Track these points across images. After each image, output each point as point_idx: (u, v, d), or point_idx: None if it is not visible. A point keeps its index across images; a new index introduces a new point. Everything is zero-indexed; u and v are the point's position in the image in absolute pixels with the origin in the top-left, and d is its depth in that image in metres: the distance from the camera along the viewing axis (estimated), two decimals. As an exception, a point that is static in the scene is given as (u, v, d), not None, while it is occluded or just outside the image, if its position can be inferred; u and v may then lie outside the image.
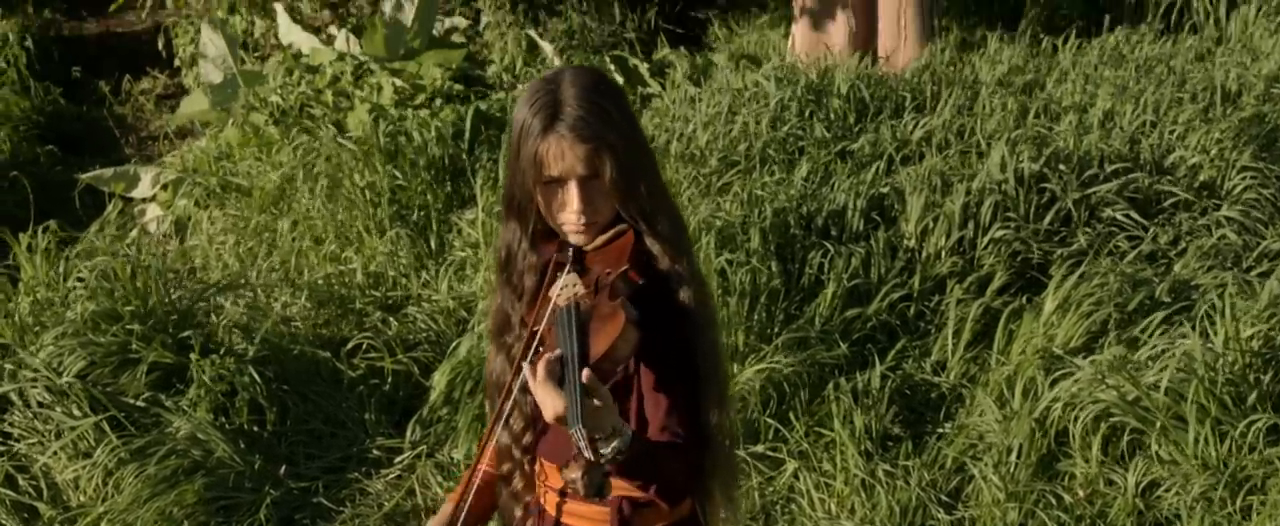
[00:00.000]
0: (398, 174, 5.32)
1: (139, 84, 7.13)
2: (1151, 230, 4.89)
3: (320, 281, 5.07)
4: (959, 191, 4.84)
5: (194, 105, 6.15)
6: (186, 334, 4.53)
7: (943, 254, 4.78)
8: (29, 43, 7.41)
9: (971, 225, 4.82)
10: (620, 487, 2.55)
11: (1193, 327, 4.21)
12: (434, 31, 6.06)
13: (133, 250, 4.85)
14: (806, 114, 5.38)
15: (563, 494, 2.59)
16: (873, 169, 5.05)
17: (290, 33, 6.18)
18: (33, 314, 4.62)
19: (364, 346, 4.75)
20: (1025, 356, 4.38)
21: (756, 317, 4.55)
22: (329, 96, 5.50)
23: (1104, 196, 4.92)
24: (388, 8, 5.93)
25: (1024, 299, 4.67)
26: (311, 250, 5.28)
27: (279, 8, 6.40)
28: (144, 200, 5.91)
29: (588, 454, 2.19)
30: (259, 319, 4.72)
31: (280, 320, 4.89)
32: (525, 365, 2.34)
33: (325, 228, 5.28)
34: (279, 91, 5.59)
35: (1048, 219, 4.86)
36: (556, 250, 2.48)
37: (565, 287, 2.39)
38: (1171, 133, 5.32)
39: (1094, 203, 4.94)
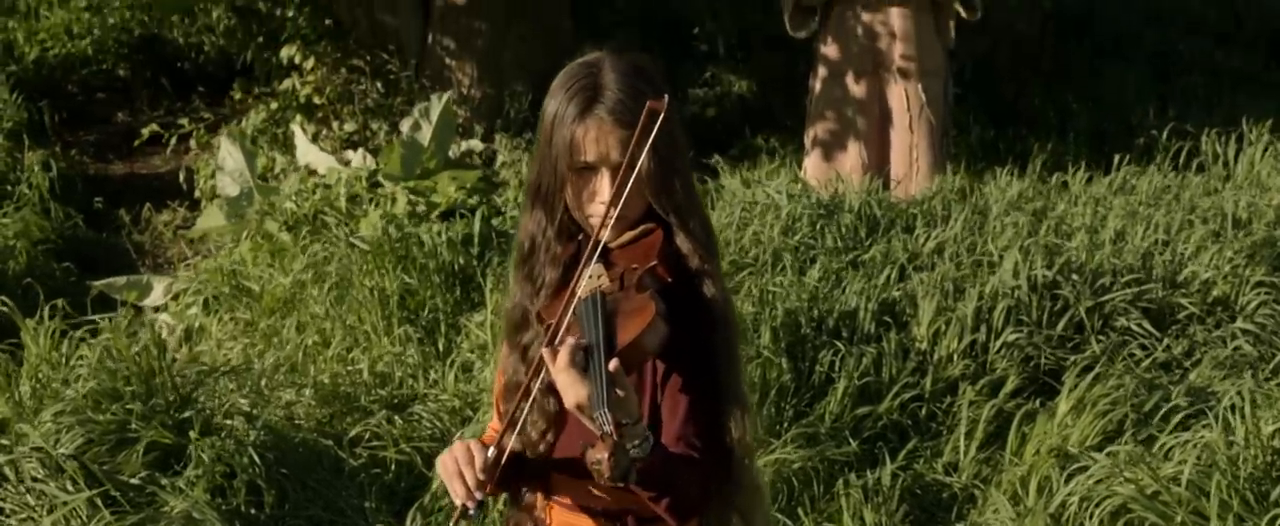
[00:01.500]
0: (408, 279, 5.23)
1: (160, 215, 7.08)
2: (1165, 340, 4.76)
3: (326, 380, 4.93)
4: (971, 295, 4.73)
5: (211, 220, 6.10)
6: (187, 415, 4.39)
7: (955, 357, 4.65)
8: (53, 172, 7.38)
9: (984, 329, 4.71)
10: (626, 500, 2.39)
11: (1212, 425, 4.07)
12: (450, 153, 6.02)
13: (139, 331, 4.72)
14: (818, 226, 5.30)
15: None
16: (885, 274, 4.95)
17: (308, 154, 6.16)
18: (33, 392, 4.48)
19: (367, 435, 4.60)
20: (1039, 456, 4.22)
21: (766, 412, 4.40)
22: (342, 203, 5.44)
23: (1117, 305, 4.80)
24: (405, 127, 5.92)
25: (1037, 403, 4.53)
26: (318, 350, 5.16)
27: (297, 129, 6.39)
28: (156, 309, 5.81)
29: (614, 437, 2.05)
30: (262, 405, 4.58)
31: (284, 414, 4.75)
32: (545, 350, 2.20)
33: (333, 329, 5.16)
34: (293, 198, 5.54)
35: (1061, 325, 4.74)
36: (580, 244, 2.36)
37: (590, 279, 2.25)
38: (1183, 251, 5.23)
39: (1107, 312, 4.82)
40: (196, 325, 5.64)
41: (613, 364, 2.11)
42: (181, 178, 7.53)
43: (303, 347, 5.09)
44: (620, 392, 2.11)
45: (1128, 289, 4.87)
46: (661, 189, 2.28)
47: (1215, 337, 4.79)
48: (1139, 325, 4.76)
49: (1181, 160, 6.33)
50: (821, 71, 6.26)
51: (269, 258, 5.62)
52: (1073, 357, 4.63)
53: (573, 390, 2.14)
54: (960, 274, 4.94)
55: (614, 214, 2.28)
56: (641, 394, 2.30)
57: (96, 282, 5.82)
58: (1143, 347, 4.73)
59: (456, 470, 2.20)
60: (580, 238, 2.36)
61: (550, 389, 2.35)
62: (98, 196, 7.56)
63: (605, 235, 2.30)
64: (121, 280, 5.82)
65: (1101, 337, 4.73)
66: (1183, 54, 8.88)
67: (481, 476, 2.20)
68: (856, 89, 6.17)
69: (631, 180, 2.24)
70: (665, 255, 2.32)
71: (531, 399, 2.35)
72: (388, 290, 5.20)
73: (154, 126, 7.85)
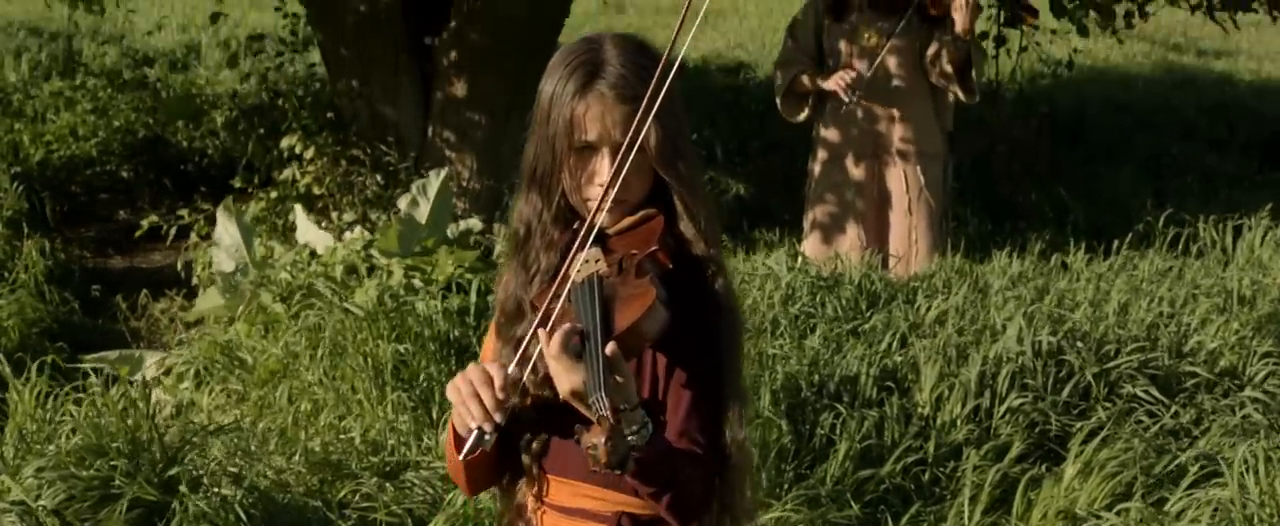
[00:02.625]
0: (402, 348, 5.09)
1: (157, 303, 6.94)
2: (1173, 408, 4.61)
3: (317, 447, 4.77)
4: (975, 360, 4.59)
5: (208, 302, 5.97)
6: (174, 472, 4.22)
7: (958, 421, 4.50)
8: (51, 260, 7.27)
9: (988, 394, 4.56)
10: (622, 501, 2.24)
11: (1227, 481, 3.92)
12: (449, 233, 5.92)
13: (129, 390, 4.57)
14: (818, 297, 5.18)
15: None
16: (886, 341, 4.81)
17: (308, 233, 6.05)
18: (16, 449, 4.32)
19: (357, 498, 4.42)
20: (1047, 519, 4.06)
21: (766, 474, 4.24)
22: (338, 273, 5.32)
23: (1124, 372, 4.66)
24: (403, 204, 5.81)
25: (1043, 468, 4.37)
26: (310, 420, 5.00)
27: (298, 208, 6.29)
28: (147, 383, 5.65)
29: (611, 420, 1.89)
30: (250, 463, 4.41)
31: (273, 480, 4.58)
32: (540, 333, 2.06)
33: (326, 397, 5.01)
34: (288, 269, 5.41)
35: (1066, 391, 4.59)
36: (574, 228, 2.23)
37: (587, 262, 2.11)
38: (1189, 322, 5.10)
39: (1113, 378, 4.67)
40: (188, 399, 5.48)
41: (610, 348, 1.98)
42: (180, 266, 7.41)
43: (294, 415, 4.92)
44: (618, 378, 1.97)
45: (1134, 356, 4.73)
46: (667, 168, 2.16)
47: (1223, 405, 4.65)
48: (1146, 392, 4.61)
49: (1181, 246, 6.21)
50: (821, 155, 6.18)
51: (263, 329, 5.48)
52: (1079, 424, 4.48)
53: (567, 376, 1.99)
54: (963, 340, 4.81)
55: (612, 194, 2.15)
56: (641, 387, 2.15)
57: (87, 357, 5.67)
58: (1150, 414, 4.58)
59: (472, 391, 2.02)
60: (576, 226, 2.22)
61: (545, 381, 2.20)
62: (95, 285, 7.43)
63: (602, 218, 2.17)
64: (113, 354, 5.67)
65: (1108, 404, 4.58)
66: (1176, 157, 8.84)
67: (501, 395, 2.02)
68: (856, 172, 6.09)
69: (631, 157, 2.12)
70: (666, 242, 2.19)
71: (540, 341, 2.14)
72: (381, 358, 5.05)
73: (153, 218, 7.74)
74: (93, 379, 4.77)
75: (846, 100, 5.91)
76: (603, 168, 2.15)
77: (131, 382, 5.65)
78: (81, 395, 4.70)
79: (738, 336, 2.23)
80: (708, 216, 2.21)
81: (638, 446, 1.95)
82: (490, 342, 2.38)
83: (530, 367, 2.15)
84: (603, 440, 1.86)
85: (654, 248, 2.14)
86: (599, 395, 1.89)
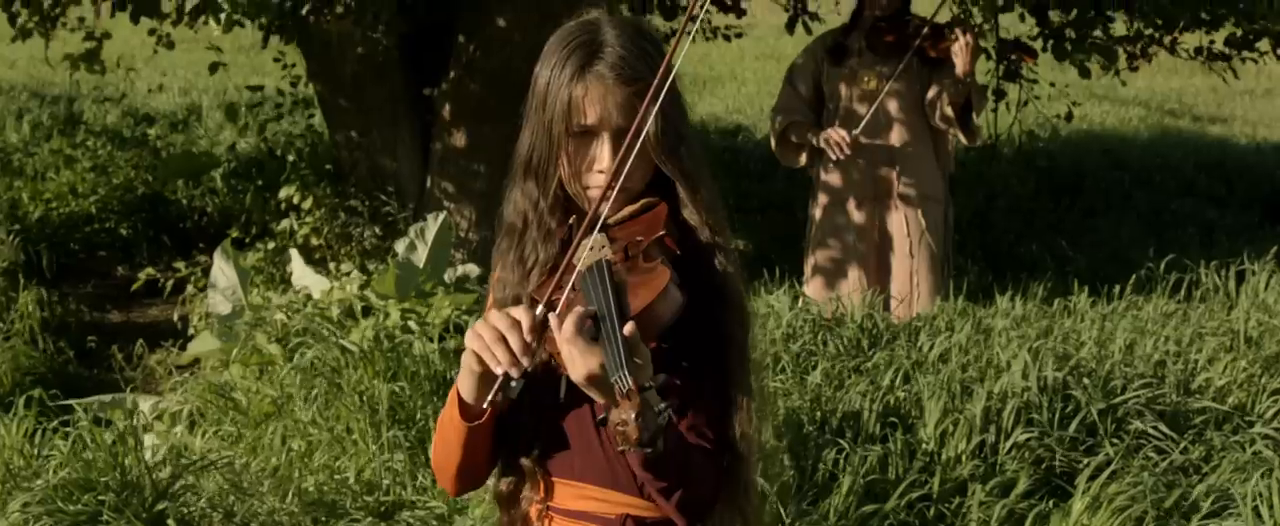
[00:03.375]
0: (398, 388, 4.97)
1: (153, 355, 6.83)
2: (1182, 444, 4.49)
3: (311, 487, 4.64)
4: (979, 395, 4.48)
5: (203, 345, 5.86)
6: (163, 506, 4.10)
7: (963, 457, 4.38)
8: (47, 312, 7.17)
9: (993, 429, 4.44)
10: (626, 503, 2.12)
11: (1241, 513, 3.80)
12: (447, 278, 5.82)
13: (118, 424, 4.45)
14: (819, 336, 5.07)
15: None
16: (888, 378, 4.70)
17: (304, 277, 5.94)
18: (2, 482, 4.20)
19: (351, 533, 4.30)
20: (1057, 554, 3.94)
21: (768, 509, 4.11)
22: (334, 314, 5.21)
23: (1132, 408, 4.55)
24: (401, 248, 5.71)
25: (1050, 503, 4.24)
26: (303, 461, 4.87)
27: (294, 253, 6.20)
28: (141, 428, 5.52)
29: (639, 393, 1.78)
30: (242, 500, 4.29)
31: (267, 520, 4.45)
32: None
33: (320, 436, 4.89)
34: (284, 310, 5.31)
35: (1072, 427, 4.47)
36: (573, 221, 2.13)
37: (592, 250, 2.01)
38: (1197, 360, 4.99)
39: (1120, 415, 4.56)
40: (182, 443, 5.35)
41: (629, 327, 1.86)
42: (176, 318, 7.31)
43: (288, 455, 4.80)
44: (638, 360, 1.86)
45: (1141, 392, 4.61)
46: (669, 154, 2.06)
47: (1233, 442, 4.53)
48: (1155, 428, 4.49)
49: (1184, 291, 6.11)
50: (822, 199, 6.09)
51: (258, 371, 5.36)
52: (1087, 459, 4.36)
53: (583, 360, 1.86)
54: (967, 376, 4.70)
55: (618, 184, 2.05)
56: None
57: (78, 401, 5.54)
58: (1159, 450, 4.46)
59: (497, 335, 1.91)
60: (572, 221, 2.12)
61: (546, 371, 2.09)
62: (91, 336, 7.33)
63: (606, 208, 2.07)
64: (105, 398, 5.55)
65: (1115, 440, 4.46)
66: (1176, 212, 8.76)
67: (530, 338, 1.91)
68: (857, 215, 6.00)
69: (640, 142, 2.02)
70: (671, 229, 2.09)
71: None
72: (377, 397, 4.93)
73: (150, 271, 7.66)
74: (81, 415, 4.66)
75: (835, 157, 5.84)
76: (603, 153, 2.06)
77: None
78: (70, 430, 4.59)
79: (746, 327, 2.12)
80: (712, 202, 2.12)
81: (667, 423, 1.83)
82: None
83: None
84: (633, 415, 1.74)
85: (661, 232, 2.05)
86: (622, 373, 1.78)
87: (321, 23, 5.64)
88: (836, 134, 5.81)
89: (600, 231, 2.05)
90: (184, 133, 11.37)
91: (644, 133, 2.01)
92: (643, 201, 2.11)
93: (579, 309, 1.91)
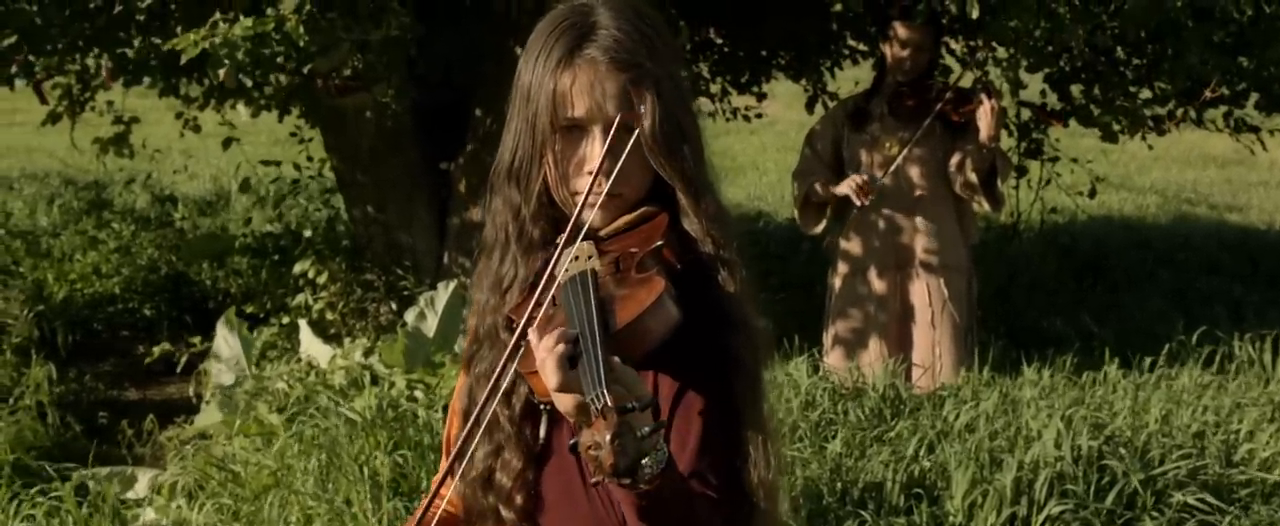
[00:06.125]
0: (401, 457, 4.61)
1: (165, 432, 6.49)
2: (1228, 516, 4.07)
3: (308, 560, 4.27)
4: (1010, 465, 4.08)
5: (208, 418, 5.51)
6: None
7: (994, 531, 3.97)
8: (59, 387, 6.85)
9: (1025, 501, 4.03)
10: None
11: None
12: (457, 348, 5.46)
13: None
14: (839, 405, 4.68)
15: None
16: (912, 447, 4.30)
17: (311, 347, 5.60)
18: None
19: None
20: (1097, 634, 3.52)
21: (786, 585, 3.71)
22: (337, 383, 4.86)
23: (1173, 479, 4.13)
24: (410, 318, 5.37)
25: (1089, 581, 3.83)
26: (301, 531, 4.51)
27: (303, 323, 5.86)
28: (138, 502, 5.17)
29: (616, 413, 1.41)
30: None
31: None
32: (531, 332, 1.60)
33: (318, 509, 4.51)
34: (285, 379, 4.95)
35: (1109, 499, 4.05)
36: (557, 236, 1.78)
37: (576, 259, 1.65)
38: (1238, 430, 4.58)
39: (1160, 487, 4.14)
40: (180, 518, 4.99)
41: (612, 361, 1.50)
42: (191, 392, 6.98)
43: (284, 526, 4.44)
44: (618, 377, 1.49)
45: (1182, 463, 4.20)
46: (669, 153, 1.70)
47: (1283, 516, 4.11)
48: (1199, 499, 4.07)
49: (1216, 364, 5.69)
50: (842, 268, 5.73)
51: (261, 442, 5.00)
52: (1127, 535, 3.96)
53: (555, 375, 1.51)
54: (996, 445, 4.30)
55: (605, 185, 1.70)
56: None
57: (76, 473, 5.19)
58: (1203, 524, 4.04)
59: None
60: (559, 239, 1.76)
61: (526, 413, 1.74)
62: (103, 412, 7.00)
63: (590, 215, 1.71)
64: (103, 470, 5.19)
65: (1156, 513, 4.05)
66: (1202, 290, 8.35)
67: None
68: (878, 284, 5.63)
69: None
70: (671, 241, 1.73)
71: (484, 423, 1.71)
72: (379, 469, 4.56)
73: (165, 347, 7.33)
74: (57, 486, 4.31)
75: (858, 203, 5.48)
76: (595, 152, 1.71)
77: (121, 501, 5.19)
78: (57, 504, 4.24)
79: (756, 354, 1.74)
80: (718, 212, 1.76)
81: (652, 457, 1.46)
82: (461, 382, 1.92)
83: (502, 398, 1.70)
84: (607, 437, 1.37)
85: (658, 243, 1.69)
86: (599, 389, 1.42)
87: (330, 88, 5.33)
88: (858, 178, 5.46)
89: (589, 241, 1.70)
90: (212, 216, 11.12)
91: (632, 127, 1.67)
92: (641, 211, 1.76)
93: (559, 329, 1.56)
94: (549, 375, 1.49)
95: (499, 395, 1.67)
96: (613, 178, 1.67)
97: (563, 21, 1.73)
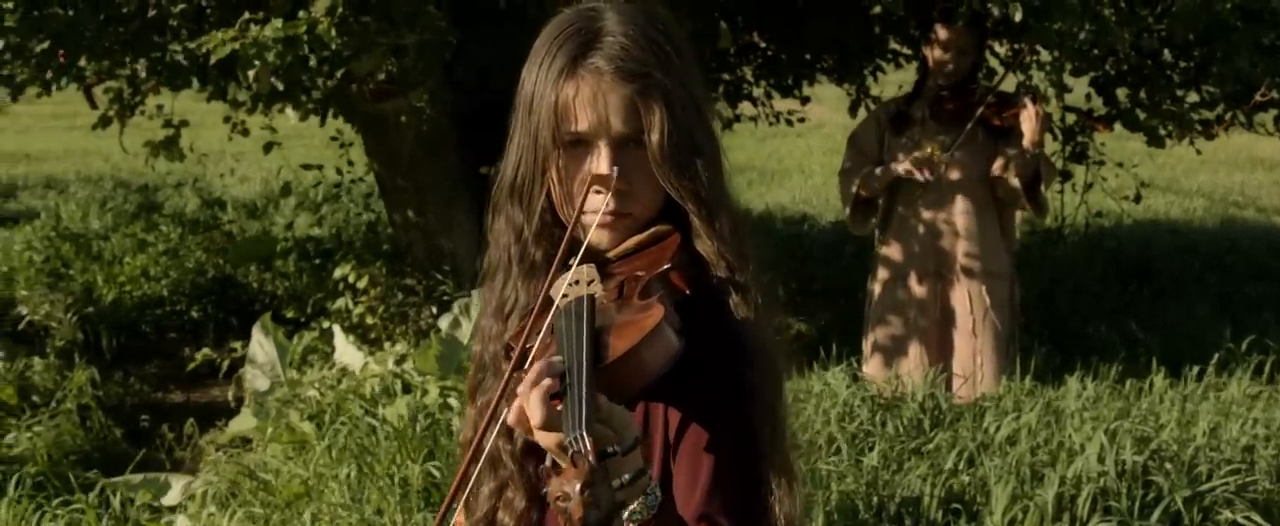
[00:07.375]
0: (434, 468, 4.49)
1: (205, 435, 6.40)
2: (1278, 535, 3.88)
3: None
4: (1052, 480, 3.90)
5: (242, 424, 5.41)
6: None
7: (1036, 548, 3.79)
8: (102, 390, 6.79)
9: (1067, 517, 3.85)
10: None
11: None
12: (489, 356, 5.32)
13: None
14: (877, 416, 4.52)
15: None
16: (951, 460, 4.13)
17: (346, 354, 5.49)
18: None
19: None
20: None
21: (820, 604, 3.56)
22: (369, 390, 4.74)
23: (1221, 495, 3.94)
24: (444, 324, 5.25)
25: (1134, 601, 3.65)
26: (332, 544, 4.39)
27: (336, 329, 5.75)
28: (171, 509, 5.07)
29: (591, 459, 1.27)
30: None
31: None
32: (534, 364, 1.45)
33: (348, 519, 4.40)
34: (317, 386, 4.84)
35: (1155, 516, 3.87)
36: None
37: (577, 282, 1.50)
38: (1287, 446, 4.39)
39: (1207, 503, 3.95)
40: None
41: (603, 399, 1.36)
42: (232, 396, 6.89)
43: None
44: (603, 414, 1.35)
45: (1230, 479, 4.01)
46: (681, 170, 1.54)
47: (1336, 535, 3.91)
48: (1247, 518, 3.88)
49: (1266, 374, 5.48)
50: (882, 274, 5.56)
51: (291, 450, 4.90)
52: (1172, 553, 3.77)
53: (537, 413, 1.38)
54: (1037, 460, 4.12)
55: (604, 203, 1.56)
56: (649, 455, 1.51)
57: (108, 480, 5.11)
58: (1253, 543, 3.85)
59: None
60: (571, 261, 1.61)
61: (530, 448, 1.59)
62: (144, 416, 6.93)
63: (594, 234, 1.57)
64: (137, 478, 5.11)
65: (1204, 531, 3.86)
66: (1250, 295, 8.10)
67: None
68: (918, 290, 5.45)
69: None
70: (683, 263, 1.58)
71: (482, 458, 1.57)
72: (411, 479, 4.44)
73: (207, 352, 7.25)
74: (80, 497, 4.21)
75: (920, 178, 5.25)
76: (600, 167, 1.56)
77: (154, 508, 5.11)
78: (79, 516, 4.15)
79: (775, 386, 1.59)
80: (732, 232, 1.60)
81: (641, 503, 1.32)
82: (469, 414, 1.79)
83: (505, 432, 1.56)
84: (577, 486, 1.23)
85: (666, 266, 1.54)
86: (579, 432, 1.27)
87: (365, 92, 5.22)
88: (918, 152, 5.25)
89: (591, 265, 1.55)
90: (259, 219, 11.08)
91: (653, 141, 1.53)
92: (652, 231, 1.61)
93: (550, 357, 1.41)
94: (531, 412, 1.35)
95: (496, 428, 1.54)
96: (620, 197, 1.54)
97: (567, 27, 1.59)
